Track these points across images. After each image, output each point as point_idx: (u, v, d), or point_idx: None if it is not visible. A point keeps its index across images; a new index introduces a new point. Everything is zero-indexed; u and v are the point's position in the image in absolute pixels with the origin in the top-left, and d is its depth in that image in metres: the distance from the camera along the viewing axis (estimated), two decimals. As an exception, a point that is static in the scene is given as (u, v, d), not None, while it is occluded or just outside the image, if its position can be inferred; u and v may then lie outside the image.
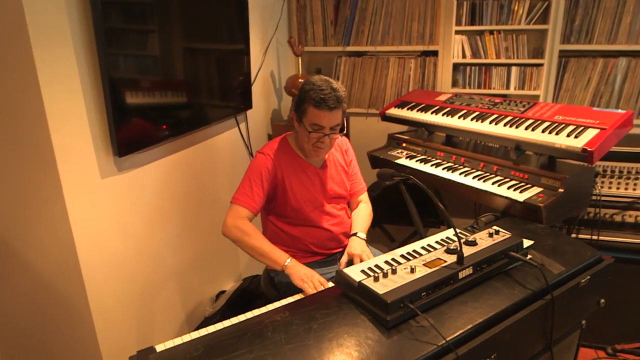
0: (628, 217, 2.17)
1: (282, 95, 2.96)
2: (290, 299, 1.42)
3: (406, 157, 2.36)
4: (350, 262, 1.63)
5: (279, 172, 1.69)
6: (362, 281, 1.19)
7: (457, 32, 2.58)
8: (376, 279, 1.19)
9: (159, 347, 1.22)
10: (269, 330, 1.11)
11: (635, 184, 2.15)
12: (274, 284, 1.88)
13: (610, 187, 2.18)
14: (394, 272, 1.22)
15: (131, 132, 1.54)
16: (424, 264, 1.27)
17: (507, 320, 1.20)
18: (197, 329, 2.10)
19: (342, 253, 1.88)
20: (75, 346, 1.53)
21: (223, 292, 2.34)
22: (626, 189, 2.17)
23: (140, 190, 1.68)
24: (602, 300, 1.54)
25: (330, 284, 1.47)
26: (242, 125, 2.43)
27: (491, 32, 2.54)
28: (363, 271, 1.28)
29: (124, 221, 1.61)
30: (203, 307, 2.20)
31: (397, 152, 2.45)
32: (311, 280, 1.47)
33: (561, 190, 1.73)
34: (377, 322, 1.13)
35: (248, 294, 2.35)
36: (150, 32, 1.62)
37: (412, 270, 1.23)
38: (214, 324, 2.03)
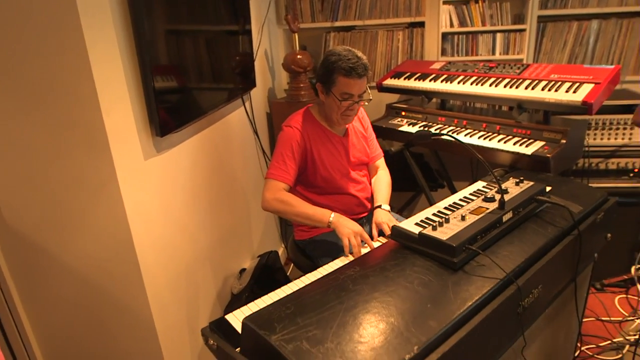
0: (611, 165, 2.41)
1: (275, 74, 2.99)
2: (337, 263, 1.51)
3: (407, 125, 2.48)
4: (380, 233, 1.72)
5: (307, 143, 1.76)
6: (422, 231, 1.30)
7: (444, 2, 2.70)
8: (434, 228, 1.31)
9: (230, 318, 1.28)
10: (349, 284, 1.19)
11: (616, 134, 2.39)
12: (305, 254, 1.96)
13: (594, 138, 2.41)
14: (447, 221, 1.34)
15: (170, 111, 1.56)
16: (470, 212, 1.40)
17: (548, 255, 1.35)
18: (228, 305, 2.19)
19: (367, 217, 1.98)
20: (132, 325, 1.56)
21: (244, 269, 2.39)
22: (609, 139, 2.40)
23: (176, 170, 1.70)
24: (609, 235, 1.74)
25: (375, 244, 1.58)
26: (247, 105, 2.46)
27: (476, 0, 2.67)
28: (417, 224, 1.38)
29: (165, 202, 1.63)
30: (229, 285, 2.25)
31: (398, 121, 2.57)
32: (354, 235, 1.54)
33: (564, 141, 1.91)
34: (443, 266, 1.25)
35: (268, 268, 2.42)
36: (182, 19, 1.65)
37: (463, 218, 1.35)
38: (243, 300, 2.13)
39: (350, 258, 1.52)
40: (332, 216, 1.63)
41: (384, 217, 1.76)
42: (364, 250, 1.53)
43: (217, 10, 1.96)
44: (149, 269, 1.51)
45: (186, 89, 1.71)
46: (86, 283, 1.48)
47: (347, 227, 1.57)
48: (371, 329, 1.01)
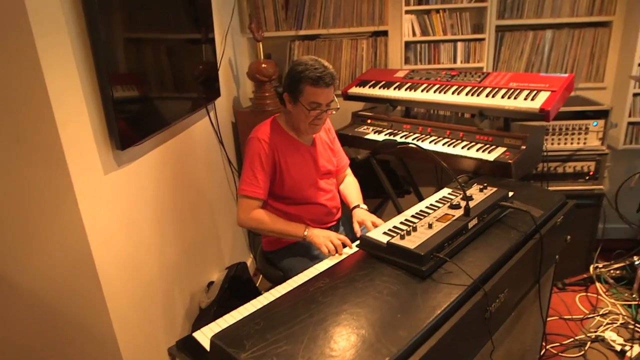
0: (568, 168, 2.50)
1: (239, 83, 2.96)
2: (311, 271, 1.51)
3: (374, 132, 2.51)
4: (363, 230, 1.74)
5: (275, 154, 1.75)
6: (390, 240, 1.31)
7: (406, 12, 2.75)
8: (402, 237, 1.31)
9: (198, 335, 1.25)
10: (318, 296, 1.18)
11: (572, 139, 2.49)
12: (274, 265, 1.94)
13: (552, 144, 2.50)
14: (414, 229, 1.35)
15: (130, 123, 1.51)
16: (436, 220, 1.41)
17: (512, 259, 1.38)
18: (196, 320, 2.13)
19: (335, 226, 1.98)
20: (95, 345, 1.49)
21: (212, 282, 2.34)
22: (565, 143, 2.49)
23: (138, 184, 1.65)
24: (569, 237, 1.80)
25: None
26: (211, 114, 2.42)
27: (437, 10, 2.74)
28: (385, 233, 1.39)
29: (127, 217, 1.57)
30: (197, 299, 2.19)
31: (364, 129, 2.59)
32: (330, 240, 1.61)
33: (524, 147, 1.97)
34: (411, 274, 1.25)
35: (237, 280, 2.38)
36: (142, 26, 1.60)
37: (430, 226, 1.37)
38: (212, 314, 2.08)
39: (336, 259, 1.56)
40: (306, 230, 1.68)
41: (366, 215, 1.78)
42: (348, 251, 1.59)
43: (178, 18, 1.92)
44: (110, 286, 1.45)
45: (147, 99, 1.67)
46: (44, 304, 1.41)
47: (321, 237, 1.64)
48: (342, 342, 1.00)
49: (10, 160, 1.25)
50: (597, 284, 2.60)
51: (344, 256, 1.55)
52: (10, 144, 1.23)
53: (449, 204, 1.52)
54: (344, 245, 1.62)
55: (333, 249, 1.59)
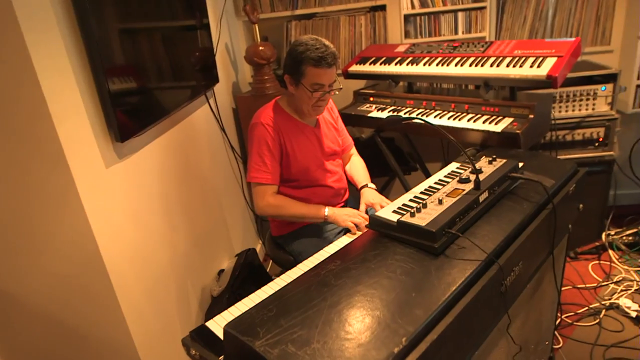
0: (577, 135, 2.45)
1: (237, 67, 2.91)
2: (322, 254, 1.50)
3: (377, 110, 2.46)
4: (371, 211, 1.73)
5: (281, 137, 1.72)
6: (400, 219, 1.28)
7: (404, -16, 2.67)
8: (412, 215, 1.29)
9: (211, 325, 1.24)
10: (330, 279, 1.16)
11: (580, 106, 2.43)
12: (284, 250, 1.92)
13: (560, 111, 2.44)
14: (424, 206, 1.32)
15: (129, 114, 1.48)
16: (446, 195, 1.38)
17: (526, 231, 1.36)
18: (209, 309, 2.13)
19: (343, 207, 1.96)
20: (110, 340, 1.49)
21: (222, 270, 2.34)
22: (573, 110, 2.44)
23: (141, 175, 1.63)
24: (581, 206, 1.77)
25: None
26: (211, 101, 2.38)
27: (435, -20, 2.66)
28: (395, 211, 1.36)
29: (133, 209, 1.56)
30: (209, 288, 2.19)
31: (367, 107, 2.54)
32: (355, 216, 1.64)
33: (532, 116, 1.92)
34: (424, 252, 1.23)
35: (248, 267, 2.37)
36: (134, 16, 1.55)
37: (440, 202, 1.34)
38: (224, 302, 2.08)
39: (348, 238, 1.58)
40: (327, 211, 1.68)
41: (374, 196, 1.77)
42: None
43: (171, 5, 1.88)
44: (121, 281, 1.44)
45: (145, 90, 1.63)
46: (56, 303, 1.40)
47: (343, 215, 1.65)
48: (357, 324, 0.99)
49: (9, 160, 1.23)
50: (610, 251, 2.57)
51: (356, 235, 1.54)
52: (7, 143, 1.21)
53: (458, 178, 1.49)
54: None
55: (360, 222, 1.61)
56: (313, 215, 1.69)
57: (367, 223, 1.53)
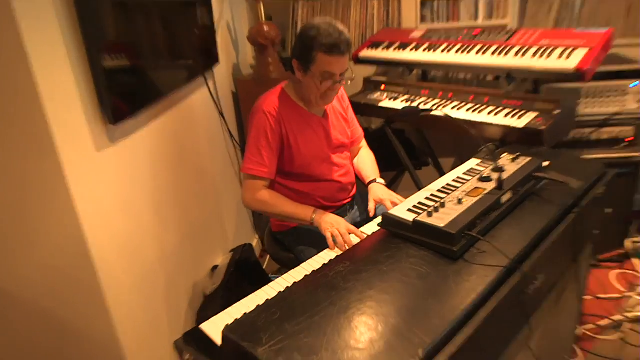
0: (603, 134, 2.42)
1: (239, 48, 2.87)
2: (322, 257, 1.47)
3: (388, 99, 2.43)
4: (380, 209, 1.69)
5: (283, 128, 1.68)
6: (416, 218, 1.25)
7: (422, -36, 2.63)
8: (429, 215, 1.26)
9: (206, 327, 1.21)
10: (339, 281, 1.14)
11: (608, 102, 2.39)
12: (284, 246, 1.89)
13: (585, 107, 2.41)
14: (442, 205, 1.30)
15: (123, 95, 1.45)
16: (466, 195, 1.35)
17: (551, 236, 1.33)
18: (201, 307, 2.11)
19: (350, 203, 1.93)
20: (94, 341, 1.46)
21: (216, 266, 2.31)
22: (600, 107, 2.40)
23: (134, 161, 1.59)
24: (609, 210, 1.74)
25: (363, 233, 1.53)
26: (210, 84, 2.34)
27: (456, -39, 2.62)
28: (410, 210, 1.34)
29: (124, 197, 1.53)
30: (201, 285, 2.16)
31: (377, 95, 2.51)
32: (337, 229, 1.53)
33: (557, 112, 1.89)
34: (440, 255, 1.20)
35: (243, 263, 2.35)
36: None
37: (460, 202, 1.31)
38: (218, 300, 2.05)
39: (336, 252, 1.47)
40: (314, 214, 1.62)
41: (384, 192, 1.72)
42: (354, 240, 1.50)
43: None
44: (109, 274, 1.41)
45: (140, 69, 1.59)
46: (43, 294, 1.38)
47: (327, 222, 1.57)
48: (369, 332, 0.96)
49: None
50: (633, 260, 2.55)
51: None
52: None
53: (478, 176, 1.46)
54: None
55: (338, 236, 1.49)
56: (300, 217, 1.64)
57: (348, 248, 1.47)
